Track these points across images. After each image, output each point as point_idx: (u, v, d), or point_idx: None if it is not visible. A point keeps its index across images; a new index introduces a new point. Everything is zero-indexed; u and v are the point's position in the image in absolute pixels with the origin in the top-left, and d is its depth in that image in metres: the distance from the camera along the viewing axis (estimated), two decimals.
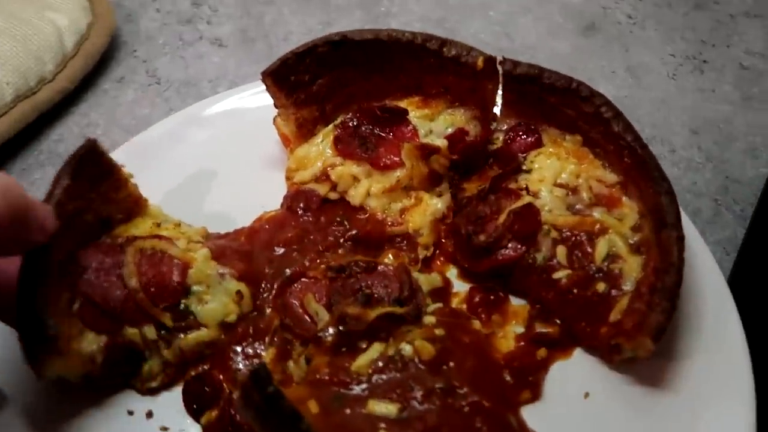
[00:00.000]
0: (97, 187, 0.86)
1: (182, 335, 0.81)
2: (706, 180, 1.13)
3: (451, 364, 0.78)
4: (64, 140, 1.22)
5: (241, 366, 0.81)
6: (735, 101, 1.25)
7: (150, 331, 0.80)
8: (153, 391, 0.81)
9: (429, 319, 0.84)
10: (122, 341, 0.79)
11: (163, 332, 0.81)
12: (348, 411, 0.73)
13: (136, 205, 0.92)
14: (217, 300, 0.83)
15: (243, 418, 0.73)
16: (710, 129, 1.21)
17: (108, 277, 0.82)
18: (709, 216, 1.08)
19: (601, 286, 0.84)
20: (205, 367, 0.82)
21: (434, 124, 1.03)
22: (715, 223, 1.07)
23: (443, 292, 0.91)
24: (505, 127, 1.03)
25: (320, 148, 1.02)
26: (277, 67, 0.97)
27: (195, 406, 0.79)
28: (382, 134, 1.02)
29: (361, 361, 0.79)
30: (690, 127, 1.21)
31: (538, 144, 0.99)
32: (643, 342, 0.76)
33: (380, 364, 0.78)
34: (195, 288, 0.83)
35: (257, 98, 1.10)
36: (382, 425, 0.71)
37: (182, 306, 0.82)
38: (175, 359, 0.81)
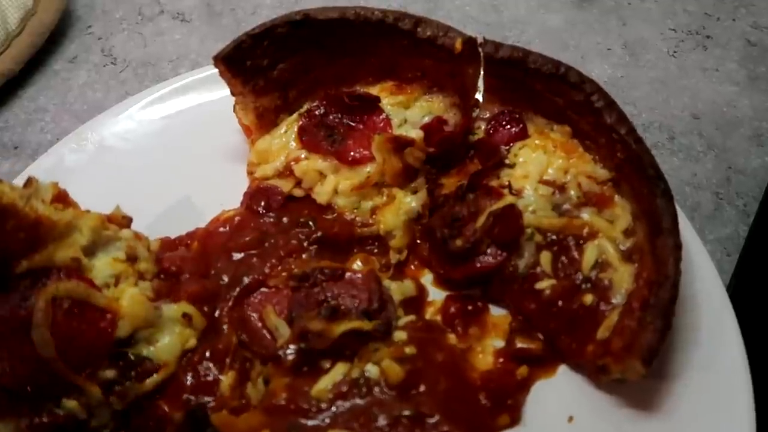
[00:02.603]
0: None
1: (138, 383, 0.70)
2: (706, 171, 1.04)
3: (422, 387, 0.71)
4: (9, 128, 1.12)
5: (192, 397, 0.72)
6: (740, 81, 1.16)
7: (94, 397, 0.67)
8: None
9: (399, 335, 0.77)
10: (50, 421, 0.66)
11: (114, 387, 0.69)
12: None
13: (39, 230, 0.68)
14: (168, 333, 0.73)
15: None
16: (713, 113, 1.11)
17: (12, 343, 0.64)
18: (709, 211, 0.99)
19: (588, 299, 0.76)
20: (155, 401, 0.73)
21: (409, 112, 0.94)
22: (715, 219, 0.98)
23: (417, 302, 0.83)
24: (488, 116, 0.93)
25: (283, 140, 0.92)
26: (231, 50, 0.87)
27: None
28: (352, 124, 0.92)
29: (322, 384, 0.72)
30: (691, 110, 1.12)
31: (522, 135, 0.90)
32: (633, 365, 0.69)
33: (343, 388, 0.71)
34: (139, 334, 0.71)
35: (220, 82, 1.00)
36: None
37: (132, 356, 0.70)
38: (127, 406, 0.71)
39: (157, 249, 0.83)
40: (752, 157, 1.05)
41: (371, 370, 0.72)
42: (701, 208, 1.00)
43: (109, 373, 0.69)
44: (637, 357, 0.68)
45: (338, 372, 0.72)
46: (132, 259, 0.77)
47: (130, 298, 0.71)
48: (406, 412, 0.69)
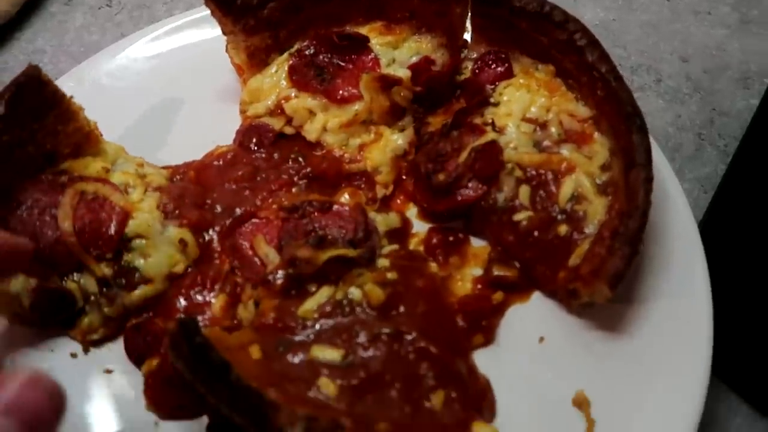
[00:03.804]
0: (41, 118, 0.81)
1: (126, 292, 0.78)
2: (691, 113, 1.06)
3: (401, 308, 0.76)
4: (8, 69, 1.14)
5: (185, 316, 0.77)
6: (732, 25, 1.16)
7: (90, 284, 0.77)
8: (95, 344, 0.79)
9: (382, 262, 0.81)
10: (53, 287, 0.76)
11: (105, 289, 0.77)
12: (291, 357, 0.71)
13: (86, 141, 0.86)
14: (160, 252, 0.79)
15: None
16: (702, 56, 1.12)
17: (42, 216, 0.78)
18: (691, 151, 1.02)
19: (563, 229, 0.80)
20: (148, 314, 0.79)
21: (398, 52, 0.95)
22: (695, 158, 1.01)
23: (401, 233, 0.87)
24: (475, 56, 0.95)
25: (274, 79, 0.95)
26: None
27: (136, 354, 0.77)
28: (341, 63, 0.94)
29: (308, 305, 0.76)
30: (680, 54, 1.13)
31: (508, 74, 0.92)
32: (600, 288, 0.73)
33: (327, 308, 0.76)
34: (136, 242, 0.79)
35: (214, 23, 1.02)
36: (325, 372, 0.70)
37: (124, 262, 0.78)
38: (116, 314, 0.78)
39: (168, 175, 0.90)
40: (738, 99, 1.06)
41: (354, 292, 0.76)
42: (683, 149, 1.02)
43: (107, 270, 0.78)
44: (603, 281, 0.72)
45: (323, 294, 0.77)
46: (141, 176, 0.86)
47: (146, 205, 0.82)
48: (386, 330, 0.73)
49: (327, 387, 0.68)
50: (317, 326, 0.74)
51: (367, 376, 0.69)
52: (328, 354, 0.71)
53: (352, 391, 0.68)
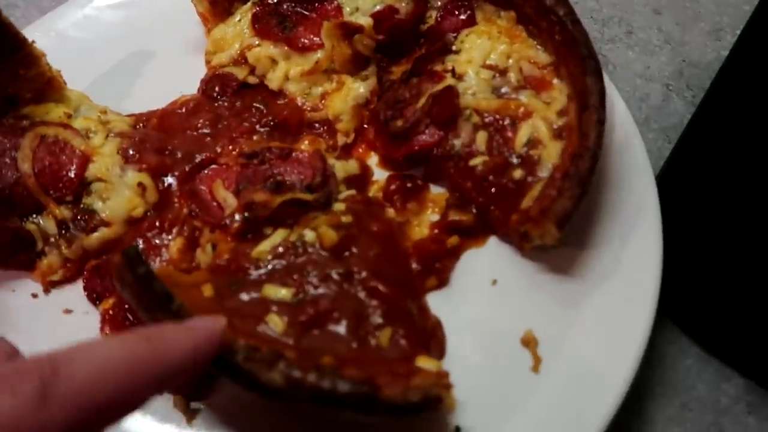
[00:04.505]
0: (1, 61, 0.82)
1: (85, 234, 0.79)
2: (660, 64, 1.05)
3: (354, 250, 0.77)
4: None
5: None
6: None
7: (50, 225, 0.78)
8: (55, 285, 0.80)
9: (338, 206, 0.82)
10: (13, 227, 0.77)
11: (64, 231, 0.79)
12: (242, 295, 0.73)
13: (49, 87, 0.87)
14: (119, 195, 0.80)
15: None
16: (674, 8, 1.11)
17: (2, 158, 0.79)
18: (658, 102, 1.01)
19: (517, 173, 0.80)
20: (108, 256, 0.80)
21: (362, 1, 0.95)
22: (662, 109, 1.00)
23: (360, 180, 0.88)
24: (439, 4, 0.94)
25: (237, 28, 0.95)
26: None
27: (95, 295, 0.78)
28: (305, 13, 0.94)
29: (263, 247, 0.77)
30: (653, 6, 1.11)
31: (470, 22, 0.92)
32: (549, 228, 0.73)
33: (281, 249, 0.77)
34: (95, 185, 0.80)
35: None
36: (274, 308, 0.71)
37: (83, 205, 0.79)
38: (76, 257, 0.79)
39: (132, 122, 0.90)
40: (708, 50, 1.05)
41: (308, 234, 0.77)
42: (650, 99, 1.01)
43: (66, 213, 0.79)
44: (551, 220, 0.72)
45: (278, 237, 0.78)
46: (103, 122, 0.86)
47: (107, 149, 0.83)
48: (338, 270, 0.74)
49: (275, 323, 0.69)
50: (270, 266, 0.75)
51: (316, 313, 0.71)
52: (280, 293, 0.72)
53: (299, 326, 0.70)
